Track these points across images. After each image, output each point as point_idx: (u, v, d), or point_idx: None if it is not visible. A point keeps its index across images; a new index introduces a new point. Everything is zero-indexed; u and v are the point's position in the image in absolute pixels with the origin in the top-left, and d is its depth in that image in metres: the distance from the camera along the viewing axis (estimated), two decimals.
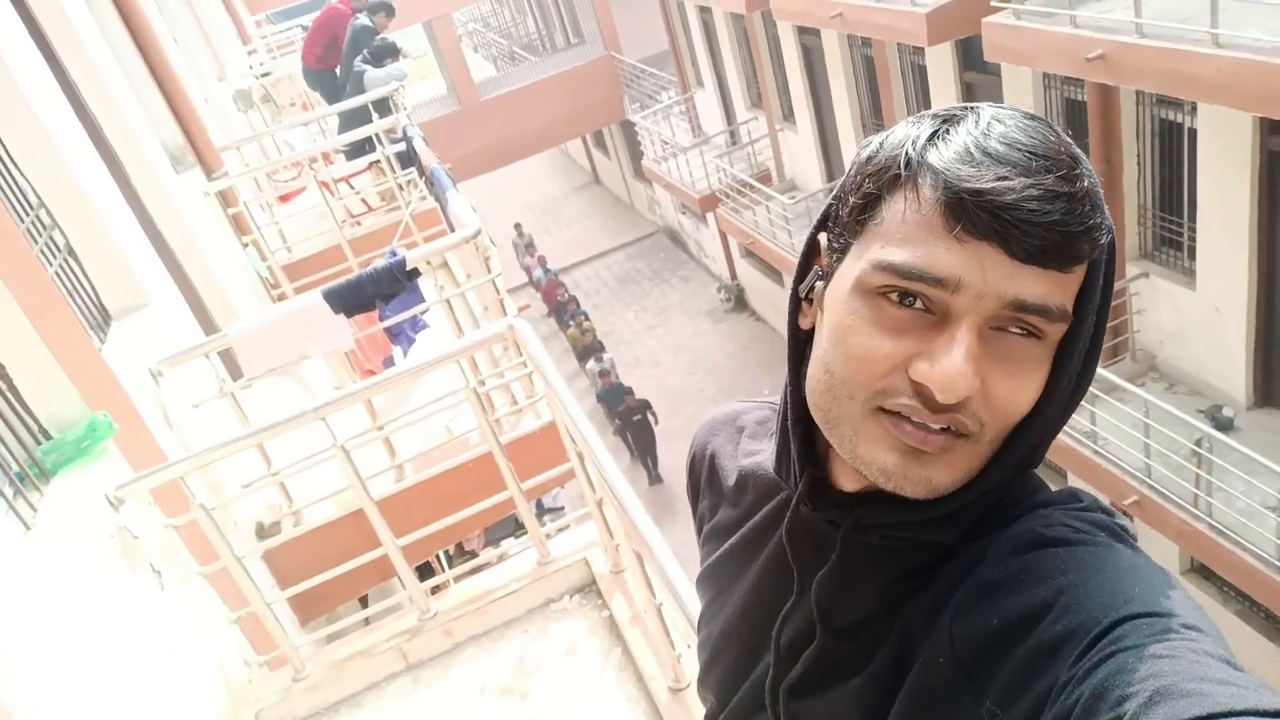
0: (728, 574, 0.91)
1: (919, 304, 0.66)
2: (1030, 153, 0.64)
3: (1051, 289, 0.64)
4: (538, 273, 18.51)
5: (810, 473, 0.78)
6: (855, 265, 0.69)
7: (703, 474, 1.00)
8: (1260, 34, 5.04)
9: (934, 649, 0.68)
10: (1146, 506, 6.64)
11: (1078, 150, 0.66)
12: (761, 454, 0.92)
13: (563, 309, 17.15)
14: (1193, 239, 6.97)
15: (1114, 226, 0.68)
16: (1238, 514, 6.03)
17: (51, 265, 3.24)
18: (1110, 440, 6.83)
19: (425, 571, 5.97)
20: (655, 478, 13.32)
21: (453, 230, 4.28)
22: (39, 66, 3.65)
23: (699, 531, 1.00)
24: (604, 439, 13.61)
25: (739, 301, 16.83)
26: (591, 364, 14.61)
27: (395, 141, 5.72)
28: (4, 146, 3.28)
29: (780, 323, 15.49)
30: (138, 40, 5.42)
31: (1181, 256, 7.21)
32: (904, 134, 0.69)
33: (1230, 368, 6.97)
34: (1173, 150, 6.94)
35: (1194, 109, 6.46)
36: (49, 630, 2.11)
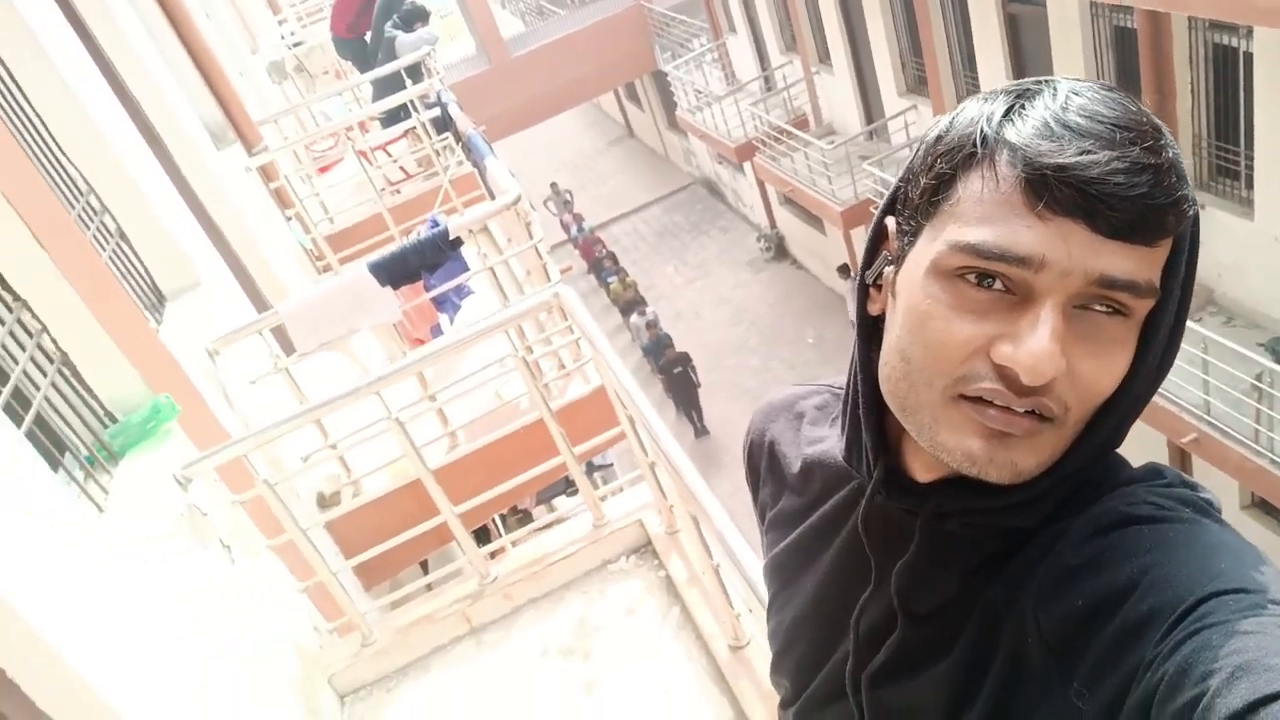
0: (796, 563, 0.91)
1: (999, 285, 0.64)
2: (1113, 124, 0.61)
3: (1139, 264, 0.62)
4: (575, 230, 18.49)
5: (884, 461, 0.77)
6: (930, 247, 0.67)
7: (762, 461, 0.99)
8: None
9: (1020, 632, 0.68)
10: (1205, 444, 6.52)
11: (1159, 120, 0.64)
12: (825, 441, 0.91)
13: (600, 265, 17.13)
14: (1250, 167, 6.73)
15: (1197, 200, 0.65)
16: None
17: (104, 250, 3.30)
18: (1168, 378, 6.69)
19: (482, 534, 6.09)
20: (701, 430, 13.35)
21: (492, 196, 4.28)
22: (79, 53, 3.69)
23: (760, 519, 1.00)
24: (651, 393, 13.64)
25: (779, 250, 16.66)
26: (635, 318, 14.62)
27: (430, 107, 5.71)
28: (51, 135, 3.33)
29: (822, 271, 15.34)
30: (172, 18, 5.45)
31: (1239, 186, 6.96)
32: (976, 111, 0.67)
33: None
34: (1228, 76, 6.67)
35: (1249, 33, 6.19)
36: (129, 609, 2.19)
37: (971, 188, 0.65)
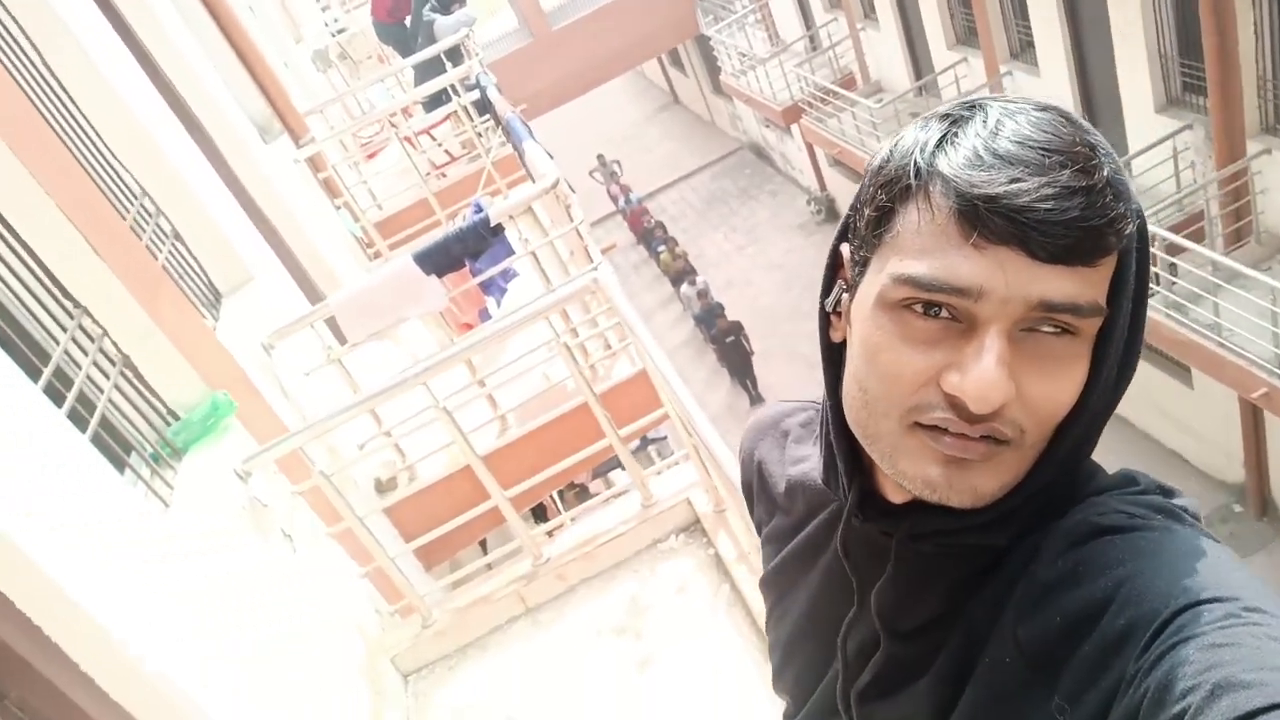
0: (786, 581, 0.93)
1: (944, 313, 0.64)
2: (1043, 149, 0.61)
3: (1080, 285, 0.62)
4: (623, 201, 18.46)
5: (859, 484, 0.78)
6: (876, 279, 0.68)
7: (753, 480, 1.01)
8: None
9: (1000, 648, 0.69)
10: (1276, 398, 6.30)
11: (1097, 137, 0.63)
12: (808, 461, 0.92)
13: (650, 235, 17.09)
14: None
15: (1142, 210, 0.65)
16: None
17: (160, 253, 3.41)
18: (1235, 331, 6.47)
19: (539, 510, 6.18)
20: (756, 397, 13.31)
21: (533, 179, 4.30)
22: (124, 57, 3.79)
23: (758, 532, 1.01)
24: (705, 361, 13.60)
25: (830, 212, 16.42)
26: (686, 287, 14.59)
27: (470, 89, 5.74)
28: (104, 142, 3.44)
29: None
30: (215, 13, 5.55)
31: None
32: (913, 140, 0.66)
33: None
34: None
35: None
36: (198, 602, 2.29)
37: (909, 219, 0.65)
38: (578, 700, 2.80)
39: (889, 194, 0.67)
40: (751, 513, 1.03)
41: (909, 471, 0.68)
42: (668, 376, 2.31)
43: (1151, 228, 6.50)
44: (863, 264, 0.70)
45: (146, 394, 2.82)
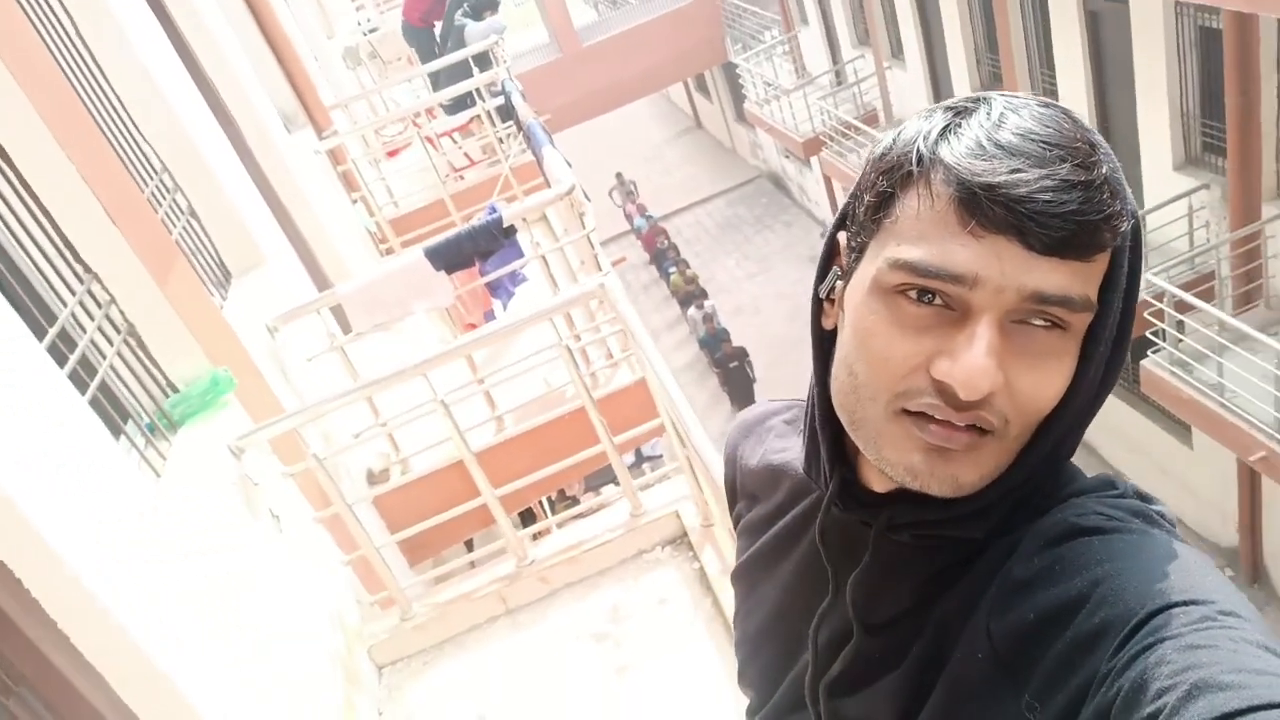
0: (760, 572, 0.92)
1: (938, 300, 0.65)
2: (1044, 142, 0.62)
3: (1072, 279, 0.63)
4: (638, 220, 18.52)
5: (840, 473, 0.79)
6: (872, 264, 0.68)
7: (735, 477, 1.01)
8: None
9: (971, 644, 0.69)
10: (1275, 462, 6.28)
11: (1097, 137, 0.64)
12: (789, 451, 0.92)
13: (663, 256, 17.14)
14: None
15: (1137, 212, 0.66)
16: None
17: (175, 228, 3.44)
18: (1238, 393, 6.46)
19: (528, 516, 6.17)
20: None
21: (550, 186, 4.33)
22: (159, 38, 3.84)
23: (734, 526, 1.02)
24: (707, 385, 13.57)
25: None
26: (693, 310, 14.62)
27: (495, 95, 5.79)
28: (130, 116, 3.48)
29: None
30: (251, 3, 5.63)
31: None
32: (916, 129, 0.68)
33: None
34: None
35: None
36: (182, 573, 2.30)
37: (909, 206, 0.66)
38: (552, 702, 2.79)
39: (890, 180, 0.68)
40: (731, 510, 1.03)
41: (892, 457, 0.69)
42: (667, 385, 2.32)
43: (1161, 283, 6.51)
44: (859, 250, 0.71)
45: (148, 364, 2.84)
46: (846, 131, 12.46)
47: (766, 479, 0.94)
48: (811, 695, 0.83)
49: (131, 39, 3.46)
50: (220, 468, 2.74)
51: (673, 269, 16.40)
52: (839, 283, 0.75)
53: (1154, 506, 0.70)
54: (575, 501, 7.84)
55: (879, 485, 0.77)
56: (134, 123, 3.49)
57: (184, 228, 3.56)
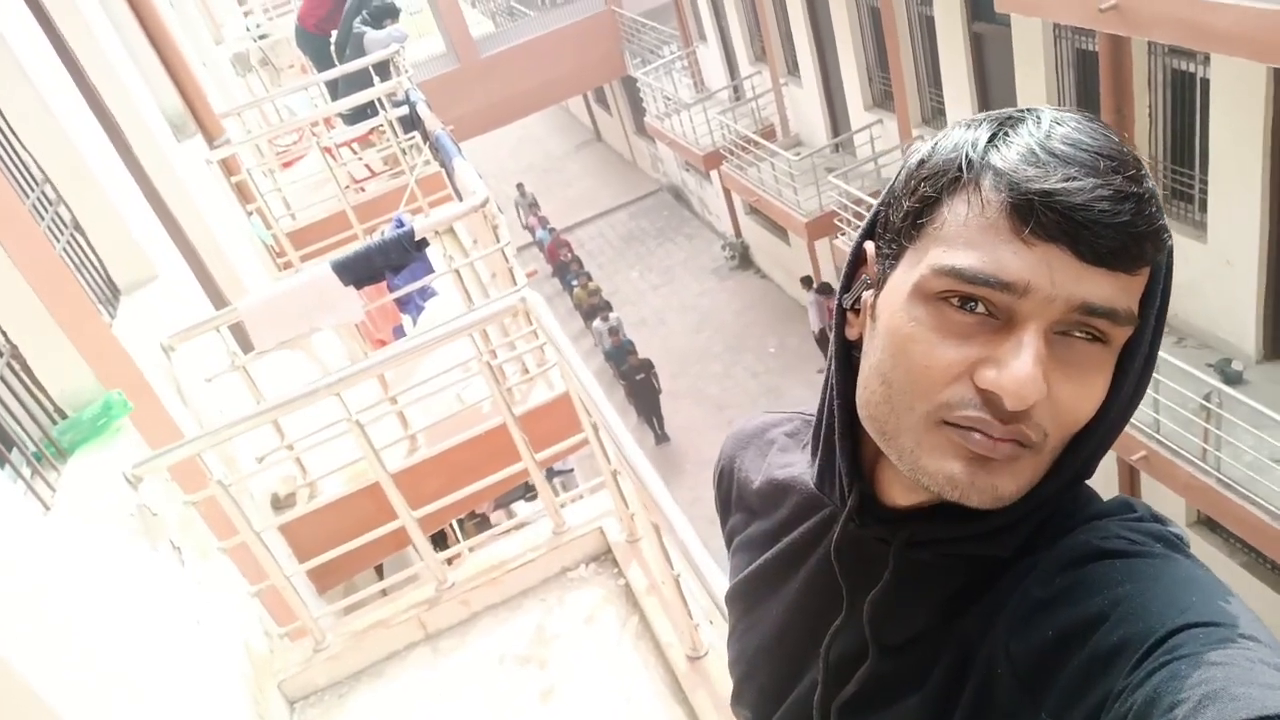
0: (762, 590, 0.90)
1: (981, 308, 0.64)
2: (1096, 153, 0.62)
3: (1119, 291, 0.63)
4: (540, 233, 18.42)
5: (859, 488, 0.77)
6: (913, 271, 0.67)
7: (732, 489, 0.98)
8: None
9: (991, 663, 0.68)
10: (1154, 461, 6.66)
11: (1137, 152, 0.65)
12: (795, 466, 0.90)
13: (565, 269, 17.09)
14: (1204, 191, 6.90)
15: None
16: (1246, 468, 6.04)
17: (59, 241, 3.22)
18: None
19: (439, 539, 6.02)
20: (661, 437, 13.35)
21: (459, 197, 4.25)
22: (39, 38, 3.60)
23: (728, 543, 0.99)
24: (613, 399, 13.60)
25: (744, 259, 16.75)
26: (598, 323, 14.59)
27: (397, 105, 5.66)
28: (5, 121, 3.25)
29: (785, 281, 15.44)
30: (134, 6, 5.34)
31: (1192, 209, 7.13)
32: (960, 136, 0.67)
33: (1240, 321, 6.94)
34: (1185, 101, 6.83)
35: (1207, 59, 6.35)
36: (72, 609, 2.13)
37: (956, 211, 0.65)
38: None
39: (934, 185, 0.66)
40: (723, 523, 1.00)
41: (931, 468, 0.67)
42: (595, 398, 2.28)
43: None
44: (895, 256, 0.70)
45: (33, 388, 2.64)
46: (746, 145, 12.69)
47: (769, 494, 0.92)
48: (822, 715, 0.81)
49: (10, 42, 3.23)
50: (115, 498, 2.56)
51: (575, 282, 16.37)
52: (867, 293, 0.73)
53: (1171, 529, 0.70)
54: (486, 520, 7.71)
55: (903, 499, 0.76)
56: (13, 131, 3.26)
57: (68, 242, 3.34)
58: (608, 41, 17.87)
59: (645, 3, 17.82)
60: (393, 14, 7.03)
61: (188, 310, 3.80)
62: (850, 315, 0.76)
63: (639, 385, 13.14)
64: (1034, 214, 0.61)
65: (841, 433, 0.77)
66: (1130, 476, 8.18)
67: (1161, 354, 6.41)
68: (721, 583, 1.68)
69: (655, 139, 16.68)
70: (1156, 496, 7.61)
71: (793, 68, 13.00)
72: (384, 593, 3.34)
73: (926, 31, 9.68)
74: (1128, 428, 5.14)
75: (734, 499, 0.98)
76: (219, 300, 4.48)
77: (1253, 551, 7.23)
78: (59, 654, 1.96)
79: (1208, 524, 7.71)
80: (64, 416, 2.72)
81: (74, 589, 2.18)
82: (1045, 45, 7.77)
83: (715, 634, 2.59)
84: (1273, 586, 7.26)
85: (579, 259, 17.44)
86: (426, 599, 3.07)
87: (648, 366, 13.14)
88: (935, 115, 10.17)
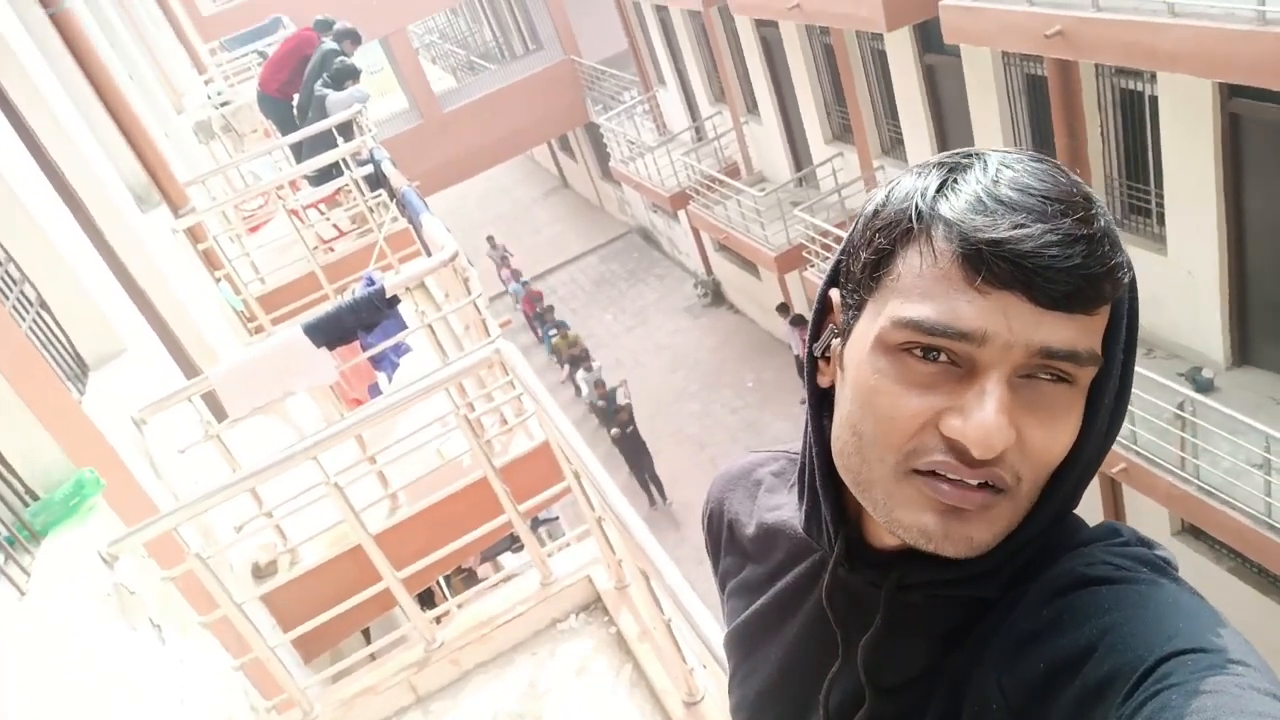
0: (759, 635, 0.89)
1: (943, 358, 0.64)
2: (1044, 197, 0.62)
3: (1078, 333, 0.63)
4: (513, 286, 18.38)
5: (845, 533, 0.77)
6: (874, 323, 0.67)
7: (722, 533, 0.98)
8: (1214, 0, 5.09)
9: (984, 698, 0.68)
10: (1134, 473, 6.71)
11: (1090, 190, 0.65)
12: (784, 508, 0.90)
13: (541, 319, 17.04)
14: (1161, 205, 7.04)
15: (1132, 263, 0.67)
16: (1224, 474, 6.10)
17: (24, 321, 3.18)
18: None
19: (426, 597, 5.93)
20: (658, 500, 12.74)
21: (428, 252, 4.25)
22: None
23: (721, 588, 0.98)
24: (597, 451, 13.40)
25: (716, 296, 16.85)
26: (582, 373, 14.32)
27: (362, 164, 5.67)
28: None
29: (758, 315, 15.53)
30: (92, 79, 5.35)
31: (1151, 223, 7.28)
32: (910, 185, 0.67)
33: (1206, 330, 7.05)
34: (1135, 119, 7.00)
35: (1154, 78, 6.52)
36: (52, 695, 2.07)
37: (910, 263, 0.65)
38: None
39: (888, 237, 0.67)
40: (715, 566, 0.99)
41: (904, 520, 0.67)
42: (575, 446, 2.27)
43: None
44: (857, 307, 0.70)
45: (3, 471, 2.59)
46: (711, 184, 12.83)
47: (762, 538, 0.91)
48: None
49: None
50: (92, 578, 2.50)
51: (554, 332, 16.21)
52: (834, 341, 0.74)
53: (1158, 553, 0.70)
54: (473, 575, 7.61)
55: (889, 541, 0.75)
56: None
57: (34, 319, 3.30)
58: (569, 90, 18.12)
59: (603, 51, 18.11)
60: (353, 75, 7.09)
61: (158, 382, 3.76)
62: (821, 363, 0.76)
63: (629, 437, 12.64)
64: (985, 263, 0.61)
65: (823, 482, 0.77)
66: (1112, 489, 8.23)
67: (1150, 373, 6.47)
68: (713, 626, 1.66)
69: (621, 182, 16.84)
70: (1139, 508, 7.66)
71: (752, 106, 13.21)
72: (372, 657, 3.28)
73: (880, 66, 9.89)
74: None
75: (724, 542, 0.98)
76: (190, 370, 4.43)
77: (1238, 557, 7.27)
78: None
79: (1192, 532, 7.76)
80: (35, 498, 2.66)
81: (52, 674, 2.12)
82: (996, 73, 7.96)
83: (710, 678, 2.56)
84: (1260, 590, 7.30)
85: (552, 308, 17.38)
86: (416, 661, 3.01)
87: (629, 415, 12.67)
88: (894, 145, 10.35)
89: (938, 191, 0.65)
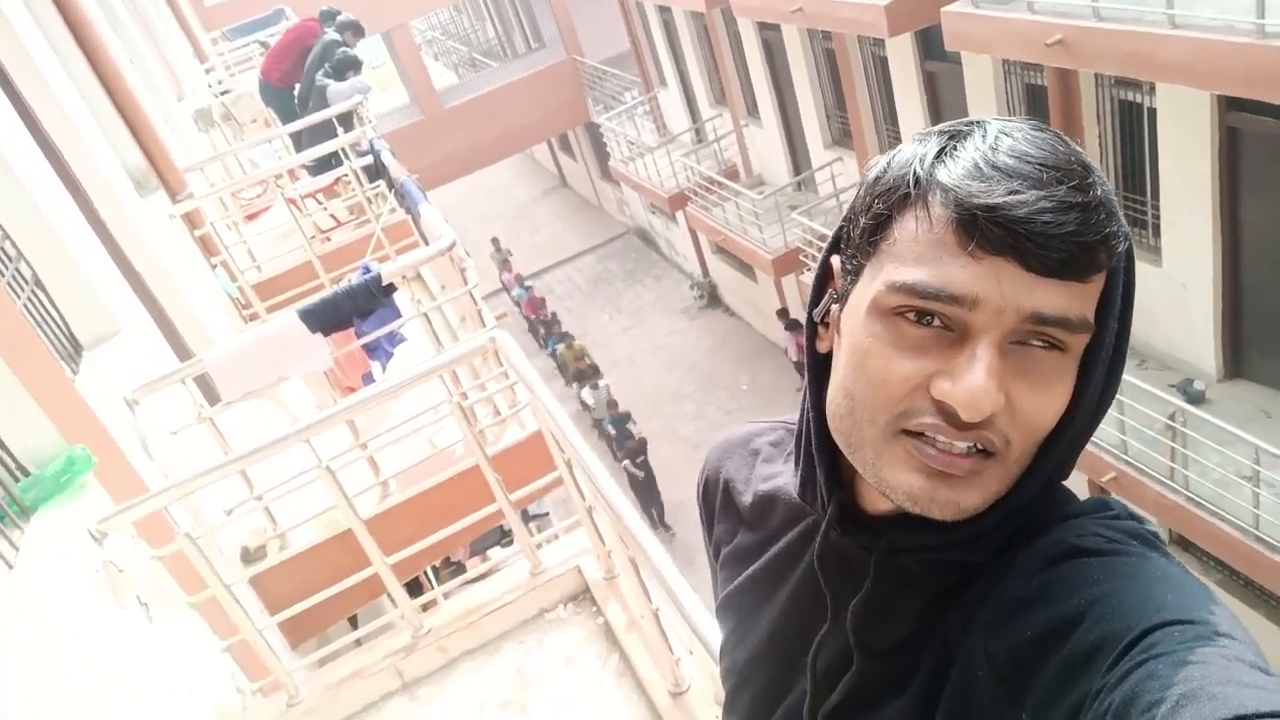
0: (752, 600, 0.90)
1: (937, 322, 0.65)
2: (1040, 164, 0.63)
3: (1071, 300, 0.64)
4: (516, 290, 18.19)
5: (838, 497, 0.78)
6: (870, 287, 0.68)
7: (717, 498, 0.99)
8: (1215, 13, 5.12)
9: (971, 664, 0.68)
10: (1124, 482, 6.73)
11: (1089, 159, 0.66)
12: (780, 476, 0.91)
13: (545, 327, 16.81)
14: (1157, 217, 7.07)
15: (1129, 233, 0.67)
16: (1214, 485, 6.13)
17: (19, 298, 3.18)
18: None
19: (414, 588, 5.93)
20: (660, 524, 12.18)
21: (426, 243, 4.26)
22: None
23: (714, 556, 0.99)
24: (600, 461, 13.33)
25: (712, 298, 16.87)
26: (589, 390, 13.91)
27: (361, 155, 5.68)
28: None
29: (754, 318, 15.55)
30: (94, 63, 5.34)
31: (1147, 234, 7.31)
32: (911, 152, 0.68)
33: (1199, 342, 7.08)
34: (1133, 130, 7.03)
35: (1153, 89, 6.55)
36: (37, 669, 2.07)
37: (906, 228, 0.66)
38: None
39: (886, 202, 0.68)
40: (708, 534, 1.00)
41: (891, 480, 0.68)
42: (568, 434, 2.28)
43: None
44: (855, 272, 0.71)
45: None
46: (710, 186, 12.85)
47: (757, 506, 0.92)
48: None
49: None
50: (81, 554, 2.51)
51: (559, 344, 15.82)
52: (834, 306, 0.74)
53: (1148, 527, 0.71)
54: (462, 567, 7.60)
55: (882, 506, 0.76)
56: None
57: (29, 298, 3.30)
58: (570, 89, 18.13)
59: (605, 51, 18.13)
60: (355, 66, 7.09)
61: (152, 364, 3.75)
62: (821, 329, 0.77)
63: (641, 468, 12.16)
64: (979, 228, 0.62)
65: (819, 445, 0.78)
66: None
67: (1125, 376, 6.51)
68: (701, 611, 1.67)
69: (620, 183, 16.85)
70: None
71: (752, 109, 13.23)
72: (359, 642, 3.28)
73: (881, 72, 9.91)
74: (1095, 450, 5.18)
75: (718, 509, 0.98)
76: (184, 353, 4.43)
77: (1226, 569, 7.29)
78: (23, 716, 1.90)
79: (1181, 543, 7.77)
80: (26, 474, 2.66)
81: (39, 648, 2.12)
82: (996, 81, 7.98)
83: (697, 668, 2.56)
84: (1248, 603, 7.32)
85: (557, 317, 17.13)
86: (403, 646, 3.01)
87: (643, 446, 12.31)
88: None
89: (936, 158, 0.66)
